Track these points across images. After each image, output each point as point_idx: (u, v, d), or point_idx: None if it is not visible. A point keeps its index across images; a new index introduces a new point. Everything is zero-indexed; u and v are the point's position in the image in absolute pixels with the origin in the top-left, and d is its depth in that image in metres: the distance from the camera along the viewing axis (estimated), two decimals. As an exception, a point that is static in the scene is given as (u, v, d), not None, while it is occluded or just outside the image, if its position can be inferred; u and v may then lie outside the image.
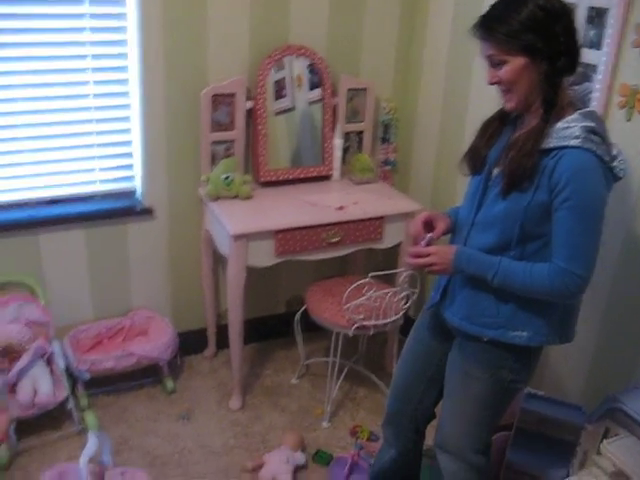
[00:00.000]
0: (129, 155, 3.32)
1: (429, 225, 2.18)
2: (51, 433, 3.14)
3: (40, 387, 3.03)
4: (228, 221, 2.98)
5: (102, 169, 3.30)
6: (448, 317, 2.19)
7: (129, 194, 3.38)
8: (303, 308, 3.26)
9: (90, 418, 3.11)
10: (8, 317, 3.11)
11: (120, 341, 3.43)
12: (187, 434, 3.18)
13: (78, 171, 3.27)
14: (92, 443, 2.70)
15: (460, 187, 3.17)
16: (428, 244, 2.09)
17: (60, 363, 3.12)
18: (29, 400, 2.98)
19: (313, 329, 3.42)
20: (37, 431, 3.11)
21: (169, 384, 3.41)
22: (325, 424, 3.26)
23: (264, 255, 3.02)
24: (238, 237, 2.93)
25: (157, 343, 3.30)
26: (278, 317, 3.85)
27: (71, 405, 3.12)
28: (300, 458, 2.99)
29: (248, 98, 3.25)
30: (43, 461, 2.99)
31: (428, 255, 2.04)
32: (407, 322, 3.12)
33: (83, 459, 2.64)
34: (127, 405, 3.36)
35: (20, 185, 3.18)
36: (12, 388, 3.03)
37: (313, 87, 3.38)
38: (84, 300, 3.40)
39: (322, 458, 3.05)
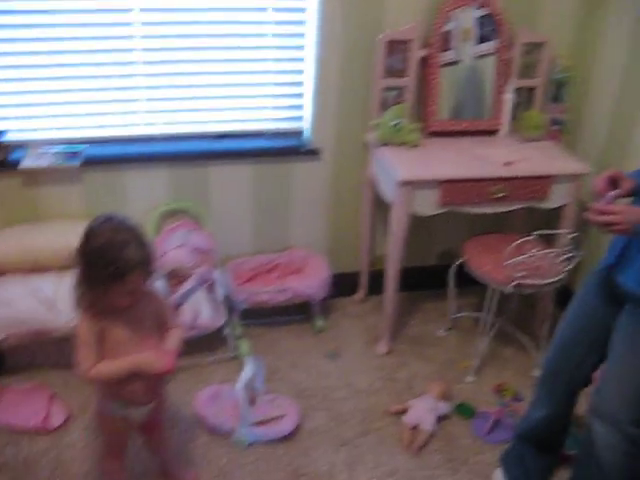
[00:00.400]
0: (300, 95, 3.37)
1: (614, 183, 2.10)
2: (206, 356, 3.30)
3: (201, 311, 3.17)
4: (396, 167, 2.99)
5: (274, 108, 3.39)
6: (622, 281, 2.12)
7: (297, 134, 3.45)
8: (459, 261, 3.23)
9: (244, 346, 3.25)
10: (176, 242, 3.26)
11: (275, 276, 3.54)
12: (333, 372, 3.25)
13: (251, 108, 3.37)
14: (249, 368, 2.82)
15: (633, 152, 3.04)
16: (612, 202, 2.02)
17: (220, 291, 3.25)
18: (190, 322, 3.13)
19: (463, 284, 3.42)
20: (194, 353, 3.27)
21: (319, 323, 3.50)
22: (470, 378, 3.25)
23: (428, 204, 3.02)
24: (405, 184, 2.94)
25: (312, 282, 3.37)
26: (429, 269, 3.85)
27: (227, 332, 3.25)
28: (444, 408, 3.01)
29: (422, 46, 3.21)
30: (198, 381, 3.16)
31: (613, 213, 1.97)
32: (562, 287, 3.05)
33: (240, 383, 2.77)
34: (277, 338, 3.47)
35: (196, 118, 3.33)
36: (176, 309, 3.18)
37: (483, 40, 3.30)
38: (245, 233, 3.53)
39: (465, 410, 3.05)
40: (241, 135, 3.42)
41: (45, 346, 3.12)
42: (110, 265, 1.92)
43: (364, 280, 3.73)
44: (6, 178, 3.18)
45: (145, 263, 2.01)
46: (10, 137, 3.21)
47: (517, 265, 2.90)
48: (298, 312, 3.54)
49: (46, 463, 2.74)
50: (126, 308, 2.07)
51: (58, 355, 3.16)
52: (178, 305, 3.18)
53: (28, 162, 3.12)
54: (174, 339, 2.22)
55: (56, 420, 2.91)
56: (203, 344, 3.31)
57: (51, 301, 2.95)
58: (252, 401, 2.87)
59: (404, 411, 2.99)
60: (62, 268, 3.06)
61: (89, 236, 2.01)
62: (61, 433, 2.88)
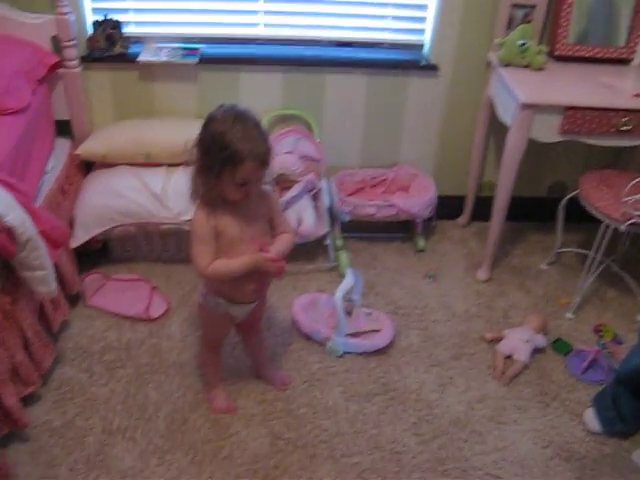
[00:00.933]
0: (423, 7, 3.26)
1: None
2: (306, 264, 3.31)
3: (305, 219, 3.18)
4: (518, 89, 2.86)
5: (394, 18, 3.28)
6: None
7: (416, 47, 3.35)
8: (570, 195, 3.11)
9: (344, 257, 3.24)
10: (286, 148, 3.25)
11: (381, 192, 3.50)
12: (431, 293, 3.22)
13: (372, 17, 3.28)
14: (349, 279, 2.82)
15: None
16: None
17: (325, 201, 3.24)
18: (294, 228, 3.13)
19: (570, 220, 3.32)
20: (294, 259, 3.29)
21: (420, 242, 3.46)
22: (569, 315, 3.17)
23: (547, 130, 2.89)
24: (526, 106, 2.81)
25: (418, 200, 3.32)
26: (538, 200, 3.73)
27: (329, 242, 3.25)
28: (541, 341, 2.95)
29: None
30: (295, 287, 3.20)
31: None
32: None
33: (339, 292, 2.77)
34: (377, 254, 3.45)
35: (315, 23, 3.27)
36: None
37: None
38: (354, 145, 3.49)
39: (561, 346, 2.98)
40: (360, 44, 3.34)
41: (150, 239, 3.21)
42: (226, 149, 1.90)
43: (469, 205, 3.65)
44: (124, 71, 3.22)
45: (261, 155, 1.95)
46: (129, 30, 3.22)
47: (635, 203, 2.77)
48: (399, 230, 3.49)
49: (146, 349, 2.84)
50: (239, 205, 2.06)
51: (162, 249, 3.25)
52: (282, 211, 3.18)
53: (146, 56, 3.14)
54: (285, 243, 2.20)
55: (156, 311, 3.01)
56: (303, 252, 3.34)
57: (160, 195, 3.01)
58: (349, 312, 2.87)
59: (499, 340, 2.94)
60: (172, 164, 3.10)
61: (209, 121, 1.98)
62: (160, 323, 2.97)
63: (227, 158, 1.91)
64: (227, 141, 1.90)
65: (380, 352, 2.85)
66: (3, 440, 2.35)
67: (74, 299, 2.98)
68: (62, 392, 2.64)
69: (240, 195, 2.02)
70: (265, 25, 3.24)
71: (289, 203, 3.20)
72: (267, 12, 3.21)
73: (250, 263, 2.09)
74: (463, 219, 3.69)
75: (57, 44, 3.08)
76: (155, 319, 2.97)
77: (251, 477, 2.35)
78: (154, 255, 3.25)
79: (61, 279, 2.66)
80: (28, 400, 2.53)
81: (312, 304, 2.96)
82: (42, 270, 2.37)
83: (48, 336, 2.65)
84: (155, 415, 2.55)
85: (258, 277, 2.18)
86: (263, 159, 1.95)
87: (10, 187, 2.35)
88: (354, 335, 2.84)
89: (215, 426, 2.51)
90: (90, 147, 3.09)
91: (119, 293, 3.02)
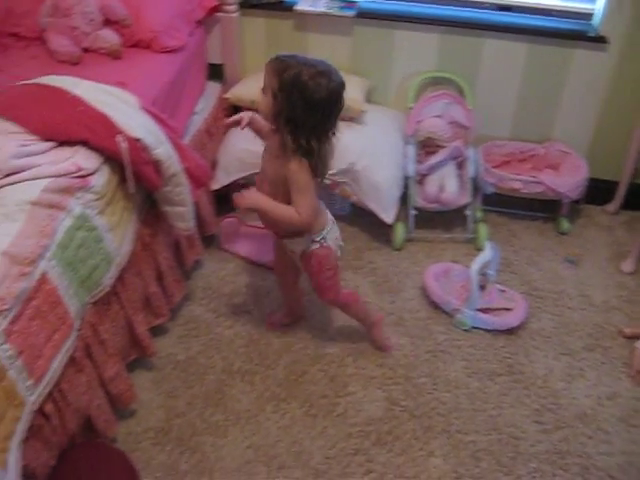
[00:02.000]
0: (599, -27, 3.03)
1: None
2: (442, 233, 3.23)
3: (447, 186, 3.09)
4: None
5: (566, -17, 3.07)
6: None
7: (586, 17, 3.14)
8: None
9: (483, 230, 3.13)
10: (435, 112, 3.16)
11: (529, 167, 3.36)
12: (570, 279, 3.06)
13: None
14: (487, 253, 2.72)
15: None
16: None
17: (470, 170, 3.14)
18: (434, 195, 3.08)
19: None
20: (431, 226, 3.24)
21: (564, 224, 3.28)
22: None
23: None
24: None
25: (567, 180, 3.15)
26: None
27: (469, 213, 3.14)
28: (687, 343, 2.73)
29: None
30: (430, 254, 3.13)
31: None
32: None
33: (476, 265, 2.68)
34: (517, 231, 3.32)
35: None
36: (421, 179, 3.11)
37: None
38: (506, 116, 3.35)
39: None
40: (522, 9, 3.17)
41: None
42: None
43: (622, 191, 3.42)
44: (280, 19, 3.23)
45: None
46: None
47: None
48: (542, 210, 3.32)
49: (273, 298, 2.87)
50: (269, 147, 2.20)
51: None
52: (425, 175, 3.10)
53: (304, 5, 3.12)
54: (279, 206, 2.15)
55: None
56: (441, 220, 3.26)
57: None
58: (482, 287, 2.77)
59: (638, 336, 2.75)
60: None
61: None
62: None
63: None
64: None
65: (509, 332, 2.74)
66: (130, 365, 2.42)
67: (209, 240, 3.03)
68: (188, 328, 2.71)
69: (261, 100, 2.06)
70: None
71: (432, 168, 3.12)
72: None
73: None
74: (613, 206, 3.47)
75: (218, -13, 3.09)
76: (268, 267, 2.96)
77: (363, 438, 2.32)
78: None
79: (199, 219, 2.70)
80: (156, 331, 2.61)
81: (445, 274, 2.88)
82: (183, 206, 2.41)
83: (181, 272, 2.71)
84: (275, 363, 2.56)
85: None
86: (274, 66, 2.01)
87: (161, 122, 2.40)
88: (484, 310, 2.74)
89: (332, 383, 2.50)
90: (239, 92, 3.11)
91: (253, 240, 3.04)
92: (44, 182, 1.98)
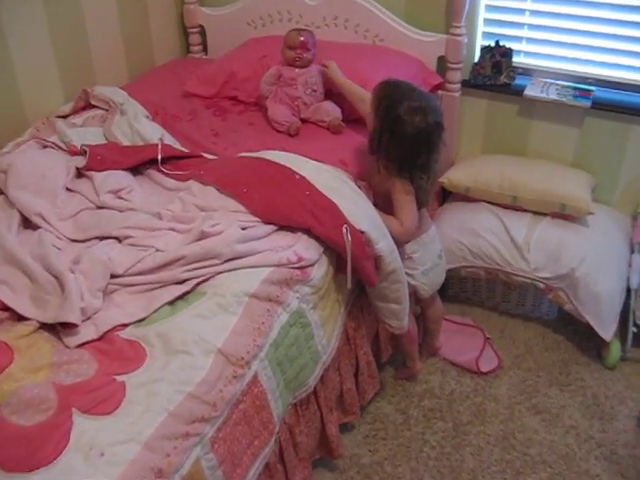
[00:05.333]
0: None
1: None
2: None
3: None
4: None
5: None
6: None
7: None
8: None
9: None
10: None
11: None
12: None
13: None
14: None
15: None
16: None
17: None
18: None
19: None
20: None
21: None
22: None
23: None
24: None
25: None
26: None
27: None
28: None
29: None
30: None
31: None
32: None
33: None
34: None
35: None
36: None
37: None
38: None
39: None
40: None
41: (492, 285, 2.96)
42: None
43: None
44: (503, 102, 3.02)
45: None
46: (518, 60, 2.99)
47: None
48: None
49: (468, 406, 2.61)
50: None
51: (502, 299, 2.99)
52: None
53: (534, 91, 2.89)
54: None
55: (486, 365, 2.74)
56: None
57: (521, 245, 2.73)
58: None
59: None
60: (538, 213, 2.81)
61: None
62: (488, 380, 2.71)
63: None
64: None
65: None
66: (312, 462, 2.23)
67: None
68: (375, 428, 2.51)
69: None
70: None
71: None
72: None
73: None
74: None
75: (442, 64, 2.91)
76: (484, 373, 2.72)
77: None
78: (492, 303, 3.00)
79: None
80: (342, 428, 2.40)
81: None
82: (398, 304, 2.21)
83: (376, 368, 2.50)
84: (468, 486, 2.27)
85: None
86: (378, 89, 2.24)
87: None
88: None
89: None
90: (456, 177, 2.90)
91: (450, 335, 2.82)
92: (264, 271, 1.83)
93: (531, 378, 2.72)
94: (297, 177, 2.04)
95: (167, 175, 2.22)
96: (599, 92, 2.90)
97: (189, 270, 1.80)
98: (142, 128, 2.40)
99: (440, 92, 2.99)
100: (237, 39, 3.14)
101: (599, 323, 2.68)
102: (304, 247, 1.95)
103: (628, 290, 2.78)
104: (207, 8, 3.29)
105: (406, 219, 2.21)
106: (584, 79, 2.94)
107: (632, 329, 2.76)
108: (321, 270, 1.99)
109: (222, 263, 1.83)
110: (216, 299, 1.75)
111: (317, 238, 1.99)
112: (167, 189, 2.18)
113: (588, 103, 2.81)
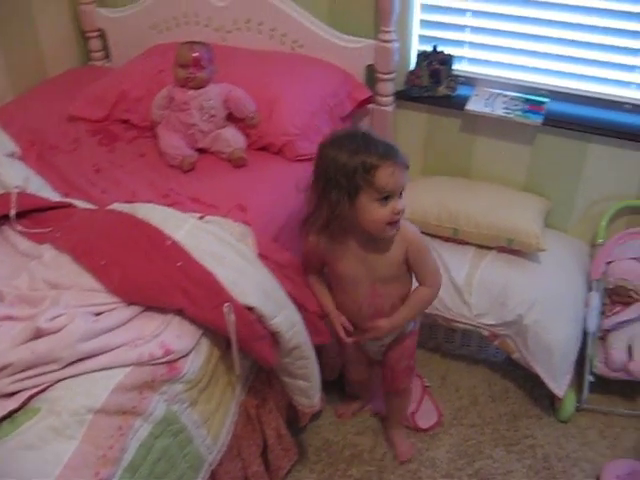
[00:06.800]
0: None
1: None
2: (620, 404, 2.53)
3: (638, 351, 2.37)
4: None
5: None
6: None
7: None
8: None
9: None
10: (631, 253, 2.52)
11: None
12: None
13: None
14: None
15: None
16: None
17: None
18: (620, 361, 2.39)
19: None
20: (607, 392, 2.54)
21: None
22: None
23: None
24: None
25: None
26: None
27: (664, 383, 2.42)
28: None
29: None
30: (605, 434, 2.42)
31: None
32: None
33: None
34: None
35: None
36: (604, 335, 2.49)
37: None
38: None
39: None
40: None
41: (435, 326, 2.58)
42: (349, 166, 1.69)
43: None
44: (444, 116, 2.66)
45: (393, 154, 1.73)
46: (460, 68, 2.64)
47: None
48: None
49: (402, 474, 2.28)
50: (362, 237, 1.80)
51: (445, 339, 2.66)
52: (608, 330, 2.41)
53: (477, 105, 2.53)
54: (413, 307, 1.95)
55: (425, 420, 2.42)
56: (619, 389, 2.55)
57: (461, 287, 2.38)
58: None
59: None
60: (482, 246, 2.44)
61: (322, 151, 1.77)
62: (426, 440, 2.39)
63: (355, 172, 1.65)
64: (349, 158, 1.67)
65: None
66: None
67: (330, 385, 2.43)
68: (294, 507, 2.14)
69: (387, 214, 1.71)
70: (638, 86, 2.42)
71: (621, 324, 2.43)
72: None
73: (328, 311, 1.97)
74: None
75: (371, 75, 2.52)
76: (423, 430, 2.39)
77: None
78: (433, 343, 2.68)
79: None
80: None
81: (630, 477, 2.17)
82: (306, 381, 1.84)
83: (291, 439, 2.13)
84: None
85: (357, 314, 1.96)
86: (397, 159, 1.71)
87: (282, 267, 1.83)
88: None
89: None
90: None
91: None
92: (118, 375, 1.45)
93: (474, 436, 2.39)
94: (168, 243, 1.65)
95: (22, 234, 1.81)
96: (552, 105, 2.54)
97: (18, 380, 1.41)
98: (1, 171, 1.98)
99: (370, 106, 2.61)
100: (142, 44, 2.73)
101: (551, 376, 2.35)
102: (174, 335, 1.57)
103: (584, 333, 2.43)
104: (106, 9, 2.84)
105: (434, 275, 1.95)
106: (535, 89, 2.56)
107: (589, 377, 2.42)
108: (199, 359, 1.62)
109: (62, 368, 1.43)
110: (50, 420, 1.37)
111: (194, 320, 1.60)
112: (20, 253, 1.78)
113: (539, 119, 2.45)
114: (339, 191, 1.69)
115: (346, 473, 2.27)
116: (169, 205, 1.87)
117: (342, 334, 1.98)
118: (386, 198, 1.71)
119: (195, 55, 2.15)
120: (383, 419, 2.38)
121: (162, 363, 1.53)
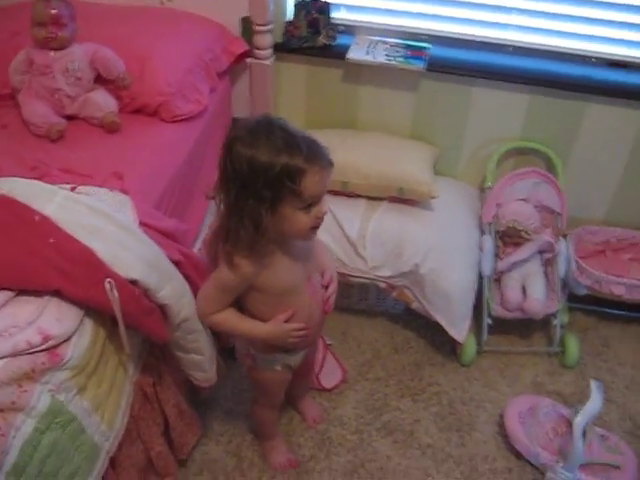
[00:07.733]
0: None
1: None
2: (520, 344, 2.59)
3: (531, 290, 2.45)
4: None
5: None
6: None
7: None
8: None
9: (572, 344, 2.49)
10: (520, 194, 2.55)
11: (626, 259, 2.68)
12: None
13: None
14: (596, 401, 2.04)
15: None
16: None
17: (561, 269, 2.46)
18: (516, 301, 2.44)
19: None
20: (505, 332, 2.59)
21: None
22: None
23: None
24: None
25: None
26: None
27: (556, 322, 2.48)
28: None
29: None
30: (505, 373, 2.49)
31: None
32: None
33: (583, 417, 2.00)
34: (609, 338, 2.66)
35: (583, 31, 2.45)
36: (499, 277, 2.52)
37: None
38: (603, 197, 2.68)
39: None
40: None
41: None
42: (271, 170, 1.43)
43: None
44: (325, 67, 2.59)
45: (319, 156, 1.50)
46: (339, 16, 2.55)
47: None
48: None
49: (310, 436, 2.26)
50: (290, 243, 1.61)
51: (342, 295, 2.51)
52: (502, 272, 2.43)
53: (358, 53, 2.45)
54: (334, 277, 1.81)
55: (330, 380, 2.41)
56: (517, 328, 2.60)
57: (355, 241, 2.32)
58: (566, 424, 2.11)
59: None
60: (374, 198, 2.39)
61: (231, 146, 1.48)
62: (332, 398, 2.38)
63: (278, 179, 1.41)
64: (269, 160, 1.41)
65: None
66: None
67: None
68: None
69: (312, 220, 1.52)
70: (518, 28, 2.41)
71: (514, 265, 2.46)
72: (523, 11, 2.39)
73: (270, 333, 1.68)
74: None
75: (248, 27, 2.40)
76: (328, 390, 2.37)
77: None
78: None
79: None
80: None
81: (531, 411, 2.23)
82: (199, 355, 1.74)
83: (194, 412, 2.04)
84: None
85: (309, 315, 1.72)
86: (323, 160, 1.49)
87: (166, 235, 1.71)
88: (584, 467, 2.06)
89: None
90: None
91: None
92: (-10, 370, 1.30)
93: (380, 390, 2.39)
94: (37, 219, 1.50)
95: None
96: (435, 50, 2.51)
97: None
98: None
99: (249, 60, 2.50)
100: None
101: (450, 322, 2.36)
102: (53, 319, 1.44)
103: (480, 277, 2.43)
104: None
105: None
106: (417, 35, 2.51)
107: (487, 320, 2.44)
108: (83, 342, 1.49)
109: None
110: None
111: (74, 301, 1.47)
112: None
113: (422, 65, 2.39)
114: (259, 202, 1.45)
115: (254, 442, 2.21)
116: (38, 178, 1.70)
117: (300, 334, 1.73)
118: (310, 205, 1.50)
119: (54, 12, 1.97)
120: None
121: (41, 351, 1.39)
